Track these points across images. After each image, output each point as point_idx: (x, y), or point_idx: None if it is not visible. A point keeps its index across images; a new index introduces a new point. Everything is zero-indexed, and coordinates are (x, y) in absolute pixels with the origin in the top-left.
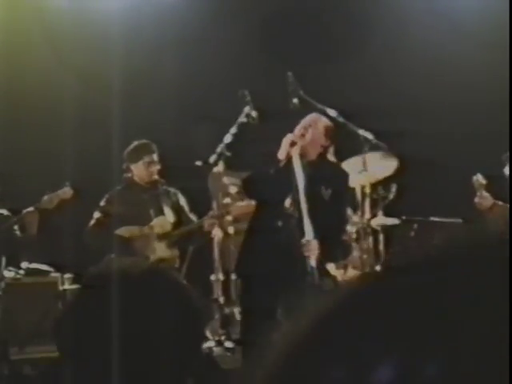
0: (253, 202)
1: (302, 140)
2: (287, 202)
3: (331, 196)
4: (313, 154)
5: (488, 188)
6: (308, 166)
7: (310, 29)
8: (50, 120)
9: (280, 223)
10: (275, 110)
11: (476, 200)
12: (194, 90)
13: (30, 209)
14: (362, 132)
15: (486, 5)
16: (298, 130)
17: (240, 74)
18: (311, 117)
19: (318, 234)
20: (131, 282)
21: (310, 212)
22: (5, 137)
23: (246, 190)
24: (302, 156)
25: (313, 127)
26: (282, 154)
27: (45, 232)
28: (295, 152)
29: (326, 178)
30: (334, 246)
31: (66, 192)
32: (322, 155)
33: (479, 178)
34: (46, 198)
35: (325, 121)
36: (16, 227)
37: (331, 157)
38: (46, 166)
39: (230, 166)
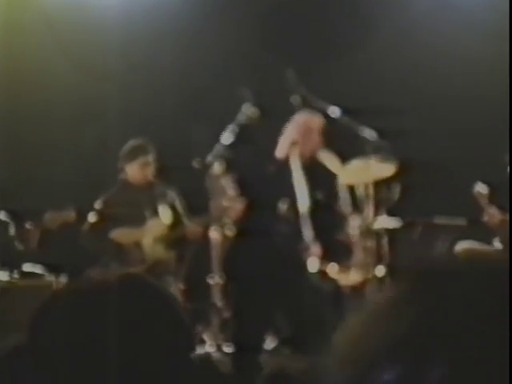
0: (252, 204)
1: (301, 144)
2: (283, 207)
3: (326, 197)
4: (307, 155)
5: (491, 196)
6: (304, 168)
7: (312, 25)
8: (46, 112)
9: (279, 225)
10: (276, 108)
11: (485, 218)
12: (193, 87)
13: (31, 226)
14: (364, 131)
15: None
16: (293, 129)
17: (240, 71)
18: (303, 116)
19: (318, 236)
20: (109, 291)
21: (310, 214)
22: (2, 131)
23: (245, 191)
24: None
25: (307, 127)
26: (280, 153)
27: (43, 240)
28: (295, 152)
29: (319, 180)
30: (335, 248)
31: (70, 215)
32: (314, 156)
33: (480, 189)
34: (48, 216)
35: (318, 119)
36: (16, 240)
37: (322, 156)
38: (41, 160)
39: (229, 167)
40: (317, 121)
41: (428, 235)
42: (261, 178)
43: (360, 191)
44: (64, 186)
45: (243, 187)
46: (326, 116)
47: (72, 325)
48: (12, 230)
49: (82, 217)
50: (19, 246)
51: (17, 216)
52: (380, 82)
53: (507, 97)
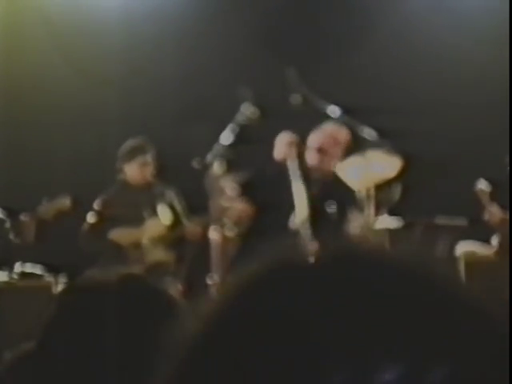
0: (252, 204)
1: (325, 155)
2: (292, 223)
3: (336, 211)
4: (329, 168)
5: (493, 194)
6: (321, 180)
7: (312, 25)
8: (46, 115)
9: (281, 226)
10: (276, 107)
11: (486, 217)
12: (193, 87)
13: (27, 218)
14: (364, 130)
15: (491, 2)
16: (318, 140)
17: (240, 71)
18: (332, 129)
19: (321, 234)
20: (109, 291)
21: (310, 214)
22: (3, 133)
23: (246, 192)
24: (319, 169)
25: (334, 139)
26: (278, 154)
27: (39, 234)
28: (292, 153)
29: (335, 194)
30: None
31: (64, 203)
32: (332, 169)
33: (483, 187)
34: (43, 207)
35: (345, 134)
36: (11, 233)
37: (338, 167)
38: (41, 163)
39: (229, 167)
40: (344, 134)
41: (429, 235)
42: (263, 180)
43: (362, 191)
44: (64, 186)
45: (244, 188)
46: (326, 116)
47: (71, 325)
48: (8, 226)
49: (77, 205)
50: (15, 240)
51: (16, 216)
52: (380, 82)
53: (507, 97)
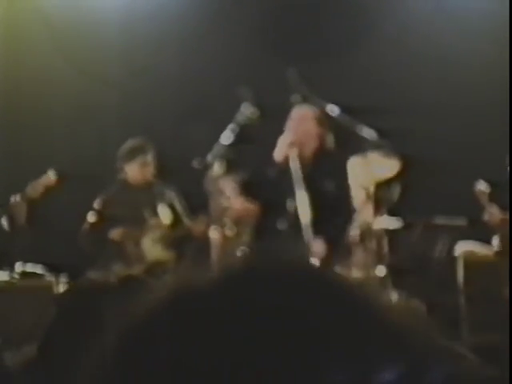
0: (251, 204)
1: (296, 137)
2: (290, 206)
3: (334, 190)
4: (310, 148)
5: (492, 195)
6: (307, 162)
7: (312, 25)
8: (47, 116)
9: (281, 225)
10: (276, 107)
11: (486, 217)
12: (193, 87)
13: (16, 199)
14: (364, 130)
15: (490, 4)
16: (289, 128)
17: (240, 71)
18: (298, 111)
19: (322, 234)
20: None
21: (312, 212)
22: (2, 133)
23: (245, 191)
24: (300, 152)
25: (303, 120)
26: (278, 155)
27: (38, 232)
28: (293, 152)
29: (328, 171)
30: (338, 246)
31: (50, 178)
32: (321, 146)
33: (482, 187)
34: (30, 186)
35: (313, 110)
36: (3, 220)
37: (330, 144)
38: (41, 163)
39: (229, 167)
40: (311, 111)
41: (428, 235)
42: (262, 180)
43: (361, 191)
44: (64, 186)
45: (244, 188)
46: (326, 114)
47: (72, 326)
48: (6, 223)
49: (62, 179)
50: (8, 227)
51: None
52: (380, 82)
53: (507, 98)
